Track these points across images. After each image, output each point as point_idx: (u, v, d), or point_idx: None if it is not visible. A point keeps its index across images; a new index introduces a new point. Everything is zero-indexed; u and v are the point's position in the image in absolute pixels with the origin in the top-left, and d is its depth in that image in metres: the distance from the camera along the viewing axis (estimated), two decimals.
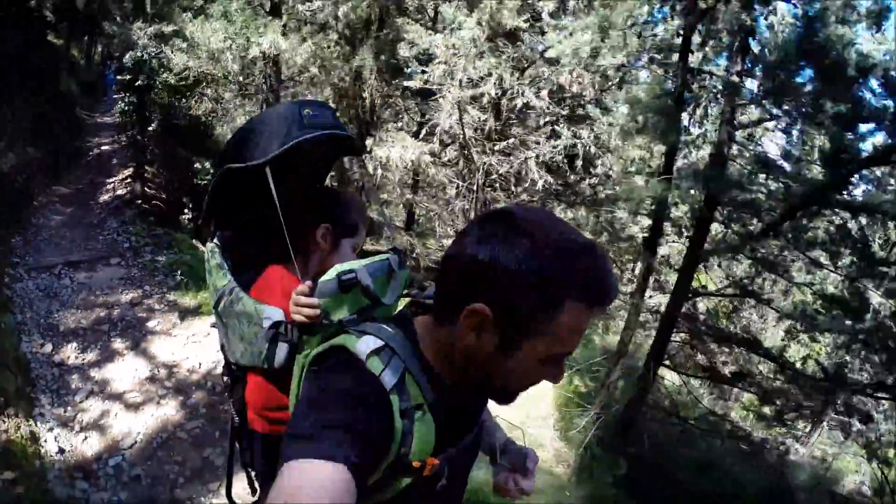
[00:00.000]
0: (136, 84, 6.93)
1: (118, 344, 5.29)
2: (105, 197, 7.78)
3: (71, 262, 6.30)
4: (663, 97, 5.26)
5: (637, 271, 7.49)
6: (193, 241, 7.43)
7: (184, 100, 7.26)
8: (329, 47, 7.76)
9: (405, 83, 7.35)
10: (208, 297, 5.65)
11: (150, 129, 7.06)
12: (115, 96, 9.38)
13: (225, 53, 6.67)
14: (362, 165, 8.65)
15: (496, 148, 9.48)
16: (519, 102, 8.67)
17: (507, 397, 0.94)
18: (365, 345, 0.86)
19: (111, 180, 8.24)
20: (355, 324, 0.97)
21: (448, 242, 10.29)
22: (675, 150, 6.19)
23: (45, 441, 3.98)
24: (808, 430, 10.67)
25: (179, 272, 6.49)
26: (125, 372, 4.91)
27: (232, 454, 1.62)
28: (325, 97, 9.28)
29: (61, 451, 3.95)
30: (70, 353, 5.06)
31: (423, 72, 6.73)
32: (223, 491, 3.97)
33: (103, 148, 9.94)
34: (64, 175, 8.33)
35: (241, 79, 7.27)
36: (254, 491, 1.66)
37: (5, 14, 6.89)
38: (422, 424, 0.86)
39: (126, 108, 7.72)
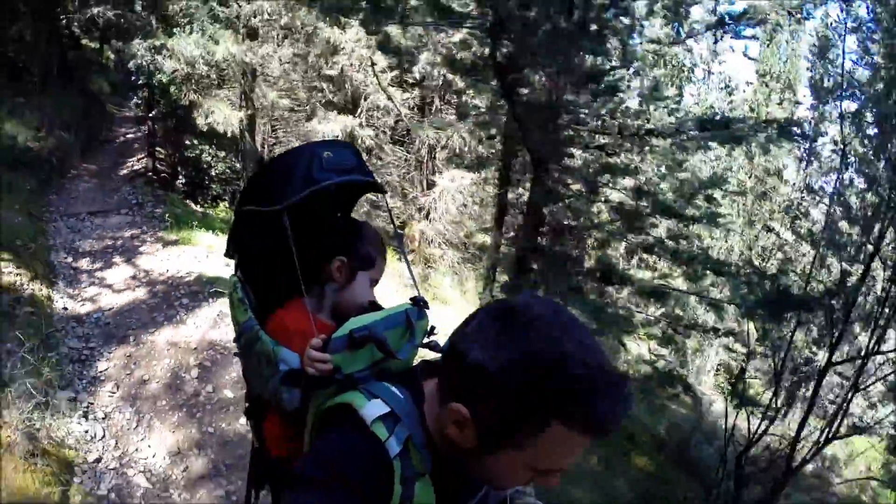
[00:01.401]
0: (139, 83, 9.48)
1: (116, 259, 7.66)
2: (123, 171, 10.40)
3: (92, 212, 8.79)
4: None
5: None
6: (185, 200, 9.88)
7: (177, 94, 9.67)
8: (285, 47, 9.94)
9: (324, 72, 9.52)
10: (184, 234, 8.12)
11: (152, 115, 9.58)
12: None
13: (198, 59, 9.01)
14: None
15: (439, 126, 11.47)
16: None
17: (490, 485, 0.97)
18: (372, 409, 0.88)
19: (130, 160, 10.89)
20: (367, 380, 0.98)
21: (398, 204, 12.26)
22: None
23: (56, 302, 6.34)
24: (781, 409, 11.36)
25: (169, 217, 8.89)
26: (118, 274, 7.25)
27: (252, 475, 1.67)
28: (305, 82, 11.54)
29: (65, 308, 6.28)
30: (83, 263, 7.46)
31: (335, 63, 8.85)
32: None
33: (127, 136, 12.72)
34: (93, 156, 11.07)
35: (212, 75, 9.58)
36: None
37: (43, 27, 9.53)
38: (422, 491, 0.87)
39: (139, 101, 10.41)
